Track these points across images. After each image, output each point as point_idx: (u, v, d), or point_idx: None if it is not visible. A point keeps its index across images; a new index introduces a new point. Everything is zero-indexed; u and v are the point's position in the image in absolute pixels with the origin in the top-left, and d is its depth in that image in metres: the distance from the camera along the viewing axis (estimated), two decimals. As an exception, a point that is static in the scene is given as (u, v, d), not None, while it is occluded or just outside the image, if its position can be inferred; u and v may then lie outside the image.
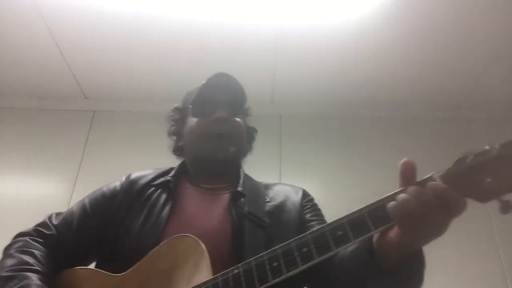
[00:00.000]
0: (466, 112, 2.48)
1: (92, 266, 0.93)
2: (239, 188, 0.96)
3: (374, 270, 0.68)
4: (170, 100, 2.82)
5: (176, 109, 1.14)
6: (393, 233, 0.64)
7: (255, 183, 1.05)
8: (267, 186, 1.04)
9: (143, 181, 1.00)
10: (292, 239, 0.67)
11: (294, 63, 2.24)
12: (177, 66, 2.29)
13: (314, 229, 0.67)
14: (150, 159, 2.39)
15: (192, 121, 1.02)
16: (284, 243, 0.68)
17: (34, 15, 2.00)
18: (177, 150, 1.11)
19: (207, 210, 0.93)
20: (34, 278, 0.79)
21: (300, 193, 1.01)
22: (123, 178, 1.03)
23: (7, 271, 0.80)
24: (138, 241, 0.85)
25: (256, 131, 1.16)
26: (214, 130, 0.97)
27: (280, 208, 0.95)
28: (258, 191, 1.00)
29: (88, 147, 2.43)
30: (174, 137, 1.12)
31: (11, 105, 2.55)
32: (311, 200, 1.03)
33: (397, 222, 0.62)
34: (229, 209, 0.91)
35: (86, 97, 2.57)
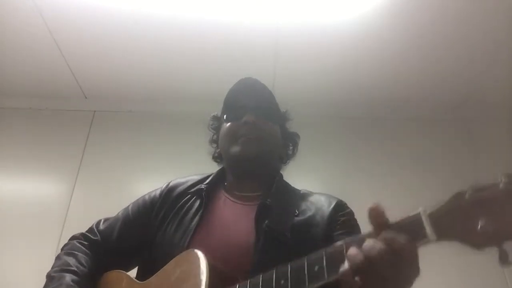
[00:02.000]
0: (466, 112, 2.48)
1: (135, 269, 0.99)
2: (268, 200, 0.93)
3: None
4: (170, 100, 2.83)
5: (214, 118, 1.16)
6: None
7: (291, 193, 1.03)
8: (303, 196, 1.01)
9: (180, 189, 1.03)
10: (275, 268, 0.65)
11: (294, 62, 2.24)
12: (177, 66, 2.29)
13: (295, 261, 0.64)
14: (150, 159, 2.41)
15: (225, 127, 1.06)
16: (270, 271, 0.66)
17: (34, 15, 2.00)
18: (217, 157, 1.13)
19: (235, 221, 0.93)
20: (68, 278, 0.87)
21: (333, 205, 0.96)
22: (164, 186, 1.07)
23: (54, 271, 0.91)
24: (168, 248, 0.88)
25: (298, 136, 1.18)
26: (241, 133, 1.00)
27: (309, 222, 0.91)
28: (289, 203, 0.97)
29: (88, 147, 2.42)
30: (214, 145, 1.15)
31: (11, 105, 2.55)
32: (345, 214, 0.96)
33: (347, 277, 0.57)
34: (255, 223, 0.89)
35: (86, 97, 2.57)
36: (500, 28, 1.97)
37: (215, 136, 1.15)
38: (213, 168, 1.14)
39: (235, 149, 0.99)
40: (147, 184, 2.35)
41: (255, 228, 0.88)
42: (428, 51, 2.12)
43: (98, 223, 1.05)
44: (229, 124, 1.05)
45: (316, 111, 2.49)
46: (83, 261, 0.93)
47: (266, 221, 0.87)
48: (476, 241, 0.52)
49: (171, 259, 0.83)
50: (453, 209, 0.54)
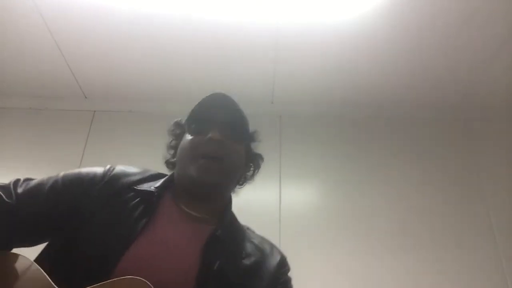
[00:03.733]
0: (466, 112, 2.48)
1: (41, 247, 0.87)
2: (218, 232, 0.87)
3: None
4: (170, 100, 2.83)
5: (176, 124, 1.08)
6: None
7: (238, 227, 0.97)
8: (247, 237, 0.95)
9: (126, 180, 0.91)
10: None
11: (294, 62, 2.24)
12: (177, 66, 2.29)
13: None
14: (150, 159, 2.40)
15: (187, 138, 0.96)
16: None
17: (34, 14, 2.00)
18: (170, 164, 1.05)
19: (181, 241, 0.84)
20: None
21: (278, 260, 0.93)
22: (106, 168, 0.93)
23: None
24: (99, 245, 0.77)
25: (262, 158, 1.07)
26: (204, 151, 0.90)
27: (254, 269, 0.87)
28: (237, 240, 0.92)
29: (88, 147, 2.42)
30: (172, 152, 1.06)
31: (11, 105, 2.55)
32: (286, 272, 0.94)
33: None
34: (202, 253, 0.82)
35: (86, 97, 2.57)
36: (500, 28, 1.97)
37: (173, 142, 1.06)
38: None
39: (193, 169, 0.89)
40: (147, 184, 2.36)
41: (201, 259, 0.81)
42: (428, 51, 2.12)
43: (16, 183, 0.87)
44: (192, 137, 0.94)
45: (316, 111, 2.49)
46: None
47: (218, 262, 0.81)
48: None
49: (101, 261, 0.74)
50: None
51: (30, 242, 0.86)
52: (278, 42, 2.12)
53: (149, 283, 0.67)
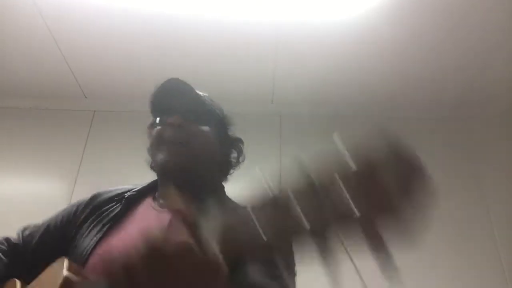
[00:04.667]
0: (466, 112, 2.48)
1: None
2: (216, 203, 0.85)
3: None
4: (170, 100, 2.78)
5: (150, 125, 1.04)
6: None
7: (226, 210, 0.90)
8: (237, 208, 0.90)
9: (105, 196, 0.96)
10: None
11: (295, 62, 2.24)
12: (177, 66, 2.29)
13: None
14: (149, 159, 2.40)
15: (152, 132, 0.96)
16: None
17: (34, 14, 2.00)
18: (153, 167, 1.02)
19: (141, 226, 0.84)
20: None
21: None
22: (88, 196, 0.99)
23: None
24: (77, 253, 0.83)
25: (241, 141, 1.05)
26: (166, 138, 0.90)
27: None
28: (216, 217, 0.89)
29: (88, 147, 2.42)
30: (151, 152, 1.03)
31: (11, 105, 2.55)
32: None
33: None
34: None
35: (86, 97, 2.57)
36: (500, 28, 1.97)
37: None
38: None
39: (160, 156, 0.90)
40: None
41: None
42: (428, 50, 2.12)
43: (24, 229, 0.98)
44: (155, 128, 0.94)
45: (315, 111, 2.49)
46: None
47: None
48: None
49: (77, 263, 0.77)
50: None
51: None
52: (278, 42, 2.12)
53: (66, 258, 0.70)
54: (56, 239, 0.92)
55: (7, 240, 0.95)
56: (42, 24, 2.06)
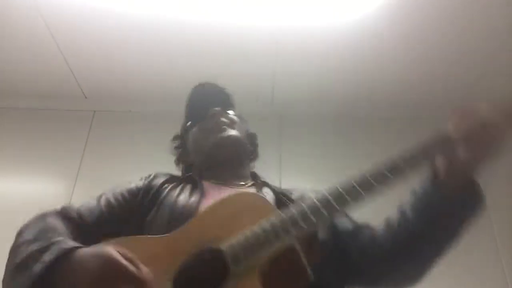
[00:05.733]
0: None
1: None
2: (259, 181, 0.98)
3: (438, 199, 0.75)
4: (170, 100, 2.82)
5: (176, 137, 1.17)
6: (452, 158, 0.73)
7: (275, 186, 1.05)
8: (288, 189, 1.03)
9: (165, 177, 1.00)
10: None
11: (294, 62, 2.24)
12: (177, 66, 2.29)
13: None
14: (150, 159, 2.40)
15: (193, 131, 1.07)
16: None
17: (34, 14, 2.00)
18: (183, 161, 1.12)
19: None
20: (64, 237, 0.75)
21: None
22: (144, 176, 1.03)
23: (31, 235, 0.78)
24: (170, 226, 0.79)
25: (256, 137, 1.17)
26: (212, 125, 1.01)
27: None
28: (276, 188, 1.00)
29: (88, 147, 2.42)
30: (180, 150, 1.14)
31: (11, 105, 2.55)
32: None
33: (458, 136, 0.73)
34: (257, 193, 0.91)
35: (86, 97, 2.57)
36: (500, 28, 1.97)
37: (180, 154, 1.14)
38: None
39: (213, 138, 1.00)
40: (147, 184, 2.36)
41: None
42: (428, 51, 2.12)
43: (70, 205, 0.98)
44: (197, 126, 1.06)
45: (315, 111, 2.49)
46: (68, 232, 0.82)
47: (275, 189, 0.92)
48: None
49: (182, 218, 0.79)
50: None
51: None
52: (278, 42, 2.12)
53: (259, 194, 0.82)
54: (121, 215, 0.92)
55: (63, 211, 0.94)
56: (42, 24, 2.06)
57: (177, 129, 2.79)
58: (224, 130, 1.00)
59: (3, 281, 0.72)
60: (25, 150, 2.41)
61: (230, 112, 1.07)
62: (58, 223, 0.84)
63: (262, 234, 0.67)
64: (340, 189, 0.74)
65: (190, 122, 1.10)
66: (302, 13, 1.96)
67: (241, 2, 1.93)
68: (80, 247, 0.70)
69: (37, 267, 0.65)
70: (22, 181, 2.36)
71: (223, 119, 1.02)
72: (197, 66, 2.27)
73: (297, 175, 2.32)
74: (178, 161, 1.14)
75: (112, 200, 0.95)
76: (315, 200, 0.72)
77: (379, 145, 2.43)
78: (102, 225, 0.89)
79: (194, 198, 0.88)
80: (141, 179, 1.02)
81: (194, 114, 1.09)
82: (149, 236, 0.78)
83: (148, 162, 2.41)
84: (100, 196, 0.97)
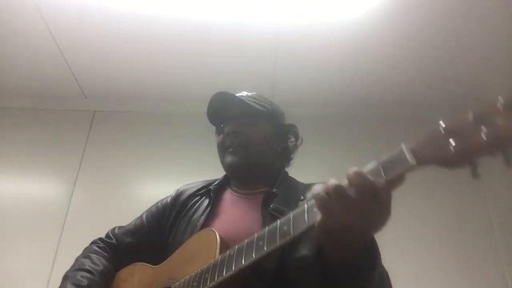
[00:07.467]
0: (466, 112, 2.48)
1: None
2: (274, 190, 1.01)
3: (321, 269, 0.70)
4: (170, 100, 2.82)
5: (216, 132, 1.22)
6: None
7: (295, 183, 1.09)
8: (308, 186, 1.04)
9: (189, 192, 1.12)
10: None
11: (295, 62, 2.24)
12: (177, 66, 2.29)
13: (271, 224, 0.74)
14: (150, 159, 2.41)
15: (217, 140, 1.12)
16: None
17: (34, 14, 2.00)
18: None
19: (242, 214, 0.99)
20: (79, 275, 0.98)
21: None
22: (173, 192, 1.15)
23: (70, 271, 1.02)
24: (178, 242, 0.96)
25: (295, 127, 1.21)
26: (224, 145, 1.07)
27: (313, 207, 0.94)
28: (293, 190, 1.02)
29: (88, 147, 2.42)
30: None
31: (11, 105, 2.55)
32: None
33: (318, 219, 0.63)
34: (261, 209, 0.96)
35: (86, 97, 2.57)
36: (500, 28, 1.97)
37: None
38: (212, 167, 1.17)
39: (226, 160, 1.06)
40: (147, 184, 2.36)
41: (261, 215, 0.94)
42: (428, 51, 2.12)
43: (113, 229, 1.16)
44: (218, 138, 1.11)
45: (316, 111, 2.49)
46: (96, 261, 1.04)
47: (272, 205, 0.94)
48: (450, 160, 0.57)
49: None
50: (430, 138, 0.61)
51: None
52: (279, 42, 2.12)
53: (214, 229, 0.86)
54: (150, 233, 1.10)
55: (101, 239, 1.14)
56: (42, 24, 2.06)
57: (176, 130, 2.79)
58: (234, 155, 1.04)
59: None
60: (25, 150, 2.41)
61: (247, 126, 1.07)
62: (93, 254, 1.07)
63: (201, 274, 0.80)
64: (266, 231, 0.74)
65: (216, 130, 1.15)
66: (302, 14, 1.96)
67: (241, 2, 1.93)
68: None
69: None
70: (22, 181, 2.36)
71: (235, 140, 1.05)
72: (197, 66, 2.27)
73: (297, 174, 2.32)
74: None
75: (144, 219, 1.13)
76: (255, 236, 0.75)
77: (379, 145, 2.43)
78: (135, 244, 1.10)
79: (202, 217, 1.00)
80: (171, 195, 1.16)
81: (214, 124, 1.14)
82: (147, 265, 1.02)
83: (148, 162, 2.42)
84: (138, 217, 1.16)
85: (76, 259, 1.07)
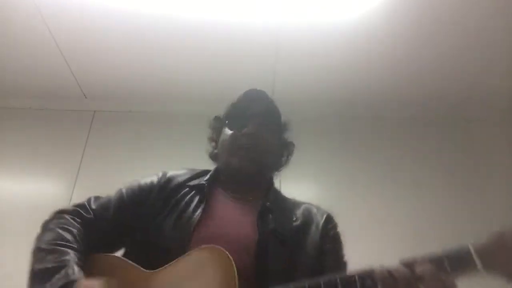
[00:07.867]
0: (466, 112, 2.48)
1: (119, 254, 0.97)
2: (268, 204, 1.00)
3: None
4: (170, 100, 2.82)
5: (217, 119, 1.17)
6: None
7: (284, 199, 1.09)
8: (295, 205, 1.06)
9: (178, 180, 1.04)
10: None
11: (295, 62, 2.24)
12: (177, 65, 2.29)
13: (327, 276, 0.75)
14: (149, 158, 2.41)
15: (226, 133, 1.07)
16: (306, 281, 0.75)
17: (34, 14, 2.00)
18: (213, 157, 1.15)
19: (237, 218, 0.97)
20: (72, 255, 0.84)
21: (324, 217, 1.03)
22: (160, 174, 1.06)
23: (48, 244, 0.87)
24: (168, 239, 0.90)
25: (294, 145, 1.20)
26: (241, 144, 1.03)
27: (305, 229, 0.98)
28: (286, 208, 1.03)
29: (88, 147, 2.42)
30: (213, 144, 1.16)
31: (11, 105, 2.55)
32: (334, 227, 1.04)
33: None
34: (257, 222, 0.94)
35: (86, 97, 2.57)
36: (499, 27, 1.97)
37: (214, 135, 1.16)
38: (212, 167, 1.15)
39: (234, 161, 1.02)
40: (147, 184, 2.36)
41: (257, 227, 0.93)
42: (429, 51, 2.12)
43: (89, 200, 1.02)
44: (230, 132, 1.06)
45: (316, 111, 2.49)
46: (79, 239, 0.90)
47: (273, 225, 0.94)
48: None
49: (171, 251, 0.85)
50: (497, 246, 0.67)
51: (109, 247, 0.97)
52: (279, 42, 2.12)
53: (227, 252, 0.80)
54: (132, 212, 0.98)
55: (77, 212, 0.99)
56: (42, 24, 2.06)
57: (176, 130, 2.78)
58: (246, 159, 1.01)
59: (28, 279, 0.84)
60: (25, 150, 2.41)
61: (266, 133, 1.06)
62: (73, 229, 0.92)
63: None
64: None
65: (227, 122, 1.10)
66: (302, 14, 1.96)
67: (241, 2, 1.93)
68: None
69: None
70: (22, 181, 2.36)
71: (253, 142, 1.03)
72: (197, 66, 2.27)
73: (297, 175, 2.32)
74: (209, 140, 1.18)
75: (124, 196, 1.01)
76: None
77: (379, 145, 2.43)
78: (116, 223, 0.98)
79: (196, 215, 0.94)
80: (156, 175, 1.06)
81: (234, 117, 1.09)
82: (136, 266, 0.87)
83: (148, 162, 2.42)
84: (117, 191, 1.03)
85: (49, 229, 0.93)
